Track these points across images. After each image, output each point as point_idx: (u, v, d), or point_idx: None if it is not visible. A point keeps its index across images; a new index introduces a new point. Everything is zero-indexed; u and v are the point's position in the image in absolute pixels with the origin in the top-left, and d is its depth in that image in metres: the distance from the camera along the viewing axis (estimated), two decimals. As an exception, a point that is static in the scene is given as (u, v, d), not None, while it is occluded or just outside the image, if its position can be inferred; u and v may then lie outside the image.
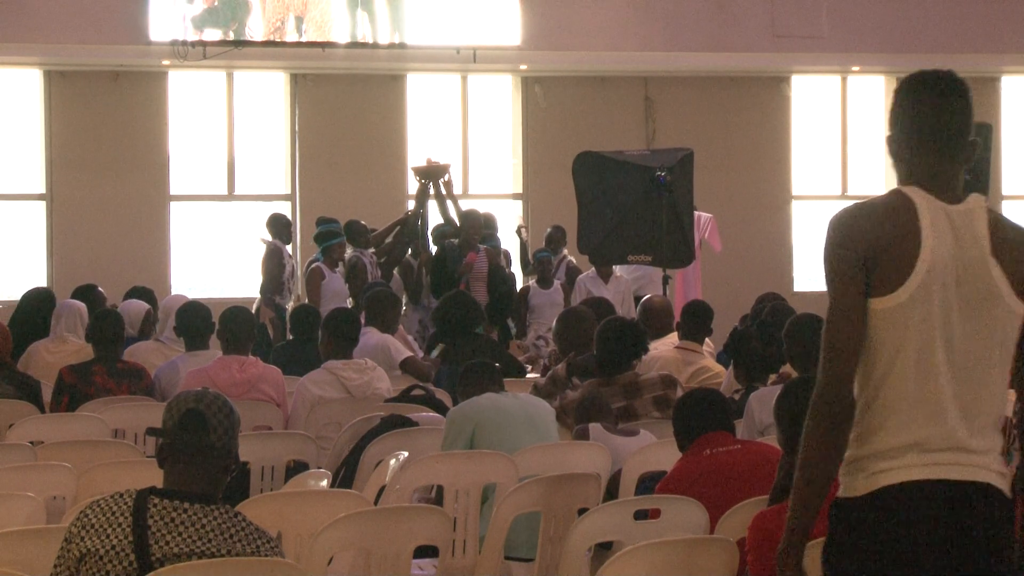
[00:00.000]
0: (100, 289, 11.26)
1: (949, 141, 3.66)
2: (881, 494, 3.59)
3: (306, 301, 13.37)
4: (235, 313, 8.34)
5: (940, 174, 3.67)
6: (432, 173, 14.33)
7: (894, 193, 3.68)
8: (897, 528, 3.58)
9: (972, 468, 3.60)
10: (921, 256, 3.58)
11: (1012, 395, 4.91)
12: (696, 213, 13.02)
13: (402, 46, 16.22)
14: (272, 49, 16.18)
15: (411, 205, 16.09)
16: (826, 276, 3.65)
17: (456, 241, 13.56)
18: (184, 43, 15.68)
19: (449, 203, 14.23)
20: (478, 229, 13.62)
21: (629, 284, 14.13)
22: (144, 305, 10.58)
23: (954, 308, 3.60)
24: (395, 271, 13.83)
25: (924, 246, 3.58)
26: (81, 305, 9.95)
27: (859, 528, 3.61)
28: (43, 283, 16.86)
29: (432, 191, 14.22)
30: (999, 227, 3.66)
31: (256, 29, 15.93)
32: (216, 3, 15.83)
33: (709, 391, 5.99)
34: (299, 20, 16.00)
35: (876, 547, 3.59)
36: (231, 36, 15.87)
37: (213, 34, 15.84)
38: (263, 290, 14.54)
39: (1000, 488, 3.64)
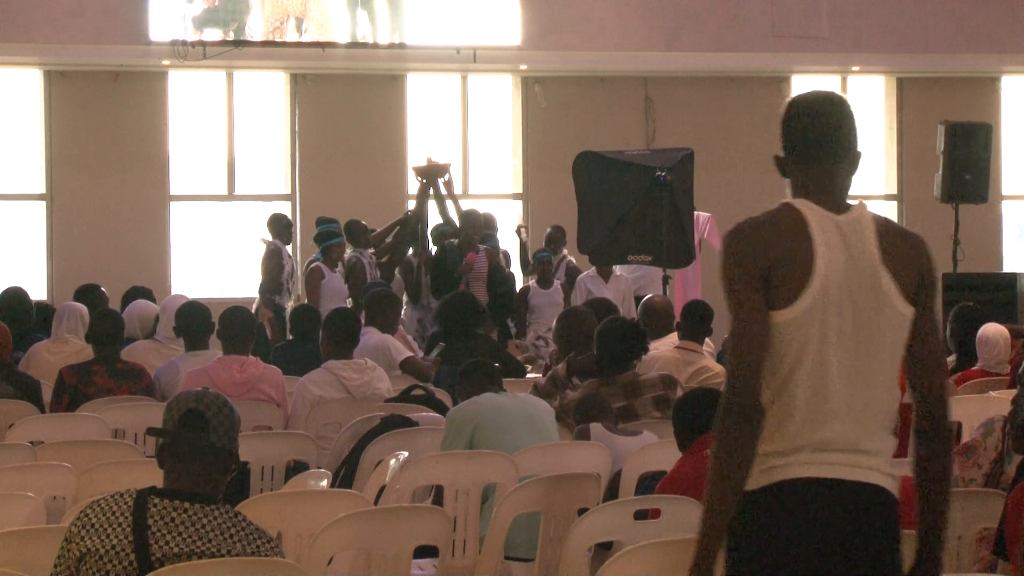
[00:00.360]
0: (103, 289, 11.28)
1: (831, 150, 3.79)
2: (775, 488, 3.71)
3: (306, 301, 13.37)
4: (235, 313, 8.33)
5: (827, 184, 3.79)
6: (433, 173, 14.33)
7: (783, 207, 3.80)
8: (788, 522, 3.69)
9: (864, 470, 3.73)
10: (816, 269, 3.71)
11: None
12: (695, 213, 13.02)
13: (402, 46, 16.22)
14: (272, 49, 16.18)
15: (411, 205, 16.09)
16: (725, 292, 3.74)
17: (456, 241, 13.55)
18: (184, 43, 15.68)
19: (449, 203, 14.23)
20: (478, 229, 13.62)
21: (630, 284, 14.13)
22: (154, 307, 10.57)
23: (848, 316, 3.73)
24: (396, 271, 13.82)
25: (817, 259, 3.71)
26: (82, 307, 9.95)
27: (752, 520, 3.72)
28: (43, 283, 16.89)
29: (432, 191, 14.22)
30: (887, 234, 3.80)
31: (256, 29, 15.93)
32: (216, 3, 15.83)
33: (709, 391, 5.99)
34: (299, 20, 16.01)
35: (767, 540, 3.70)
36: (231, 36, 15.88)
37: (213, 34, 15.84)
38: (262, 290, 14.53)
39: (890, 491, 3.77)
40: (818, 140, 3.82)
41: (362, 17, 16.07)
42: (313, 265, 13.72)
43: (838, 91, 18.93)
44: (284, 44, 16.10)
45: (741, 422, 3.65)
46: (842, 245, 3.75)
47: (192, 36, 15.71)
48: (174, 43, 15.64)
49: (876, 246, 3.77)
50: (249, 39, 15.90)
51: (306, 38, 16.02)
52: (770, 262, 3.71)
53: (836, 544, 3.71)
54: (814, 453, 3.72)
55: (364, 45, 16.14)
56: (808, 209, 3.77)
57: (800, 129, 3.83)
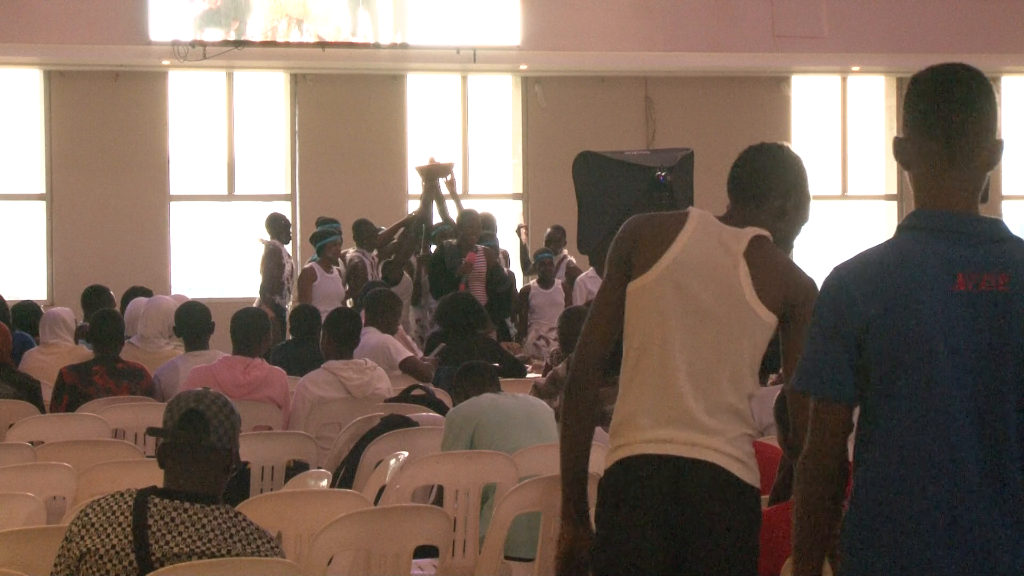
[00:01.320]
0: (111, 293, 11.31)
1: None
2: (615, 468, 4.01)
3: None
4: (247, 315, 8.39)
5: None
6: (435, 172, 14.33)
7: (681, 212, 4.11)
8: (623, 499, 3.98)
9: (701, 448, 3.94)
10: (671, 249, 4.00)
11: None
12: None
13: (402, 46, 16.22)
14: (272, 49, 16.18)
15: (411, 205, 16.11)
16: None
17: (454, 241, 13.55)
18: (184, 43, 15.68)
19: (452, 203, 14.21)
20: (476, 229, 13.61)
21: (629, 284, 14.11)
22: (173, 303, 10.59)
23: (693, 300, 3.98)
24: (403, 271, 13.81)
25: (677, 242, 4.00)
26: (63, 311, 10.04)
27: (601, 499, 4.05)
28: (43, 283, 16.90)
29: (434, 191, 14.21)
30: (764, 261, 4.03)
31: (256, 29, 15.93)
32: (218, 3, 15.83)
33: None
34: (299, 20, 16.01)
35: (607, 517, 4.02)
36: (232, 36, 15.87)
37: (214, 34, 15.84)
38: (262, 290, 14.53)
39: (727, 469, 3.94)
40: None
41: (362, 17, 16.07)
42: (307, 266, 13.69)
43: (838, 91, 19.04)
44: (284, 44, 16.11)
45: (579, 391, 4.08)
46: (711, 241, 4.03)
47: (192, 36, 15.70)
48: (174, 43, 15.63)
49: (742, 255, 4.02)
50: (249, 39, 15.89)
51: (306, 38, 16.02)
52: (636, 242, 4.04)
53: (664, 520, 3.93)
54: (653, 431, 3.96)
55: (364, 45, 16.14)
56: (696, 214, 4.08)
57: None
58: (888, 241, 3.21)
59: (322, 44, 16.03)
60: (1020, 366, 3.10)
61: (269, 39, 15.97)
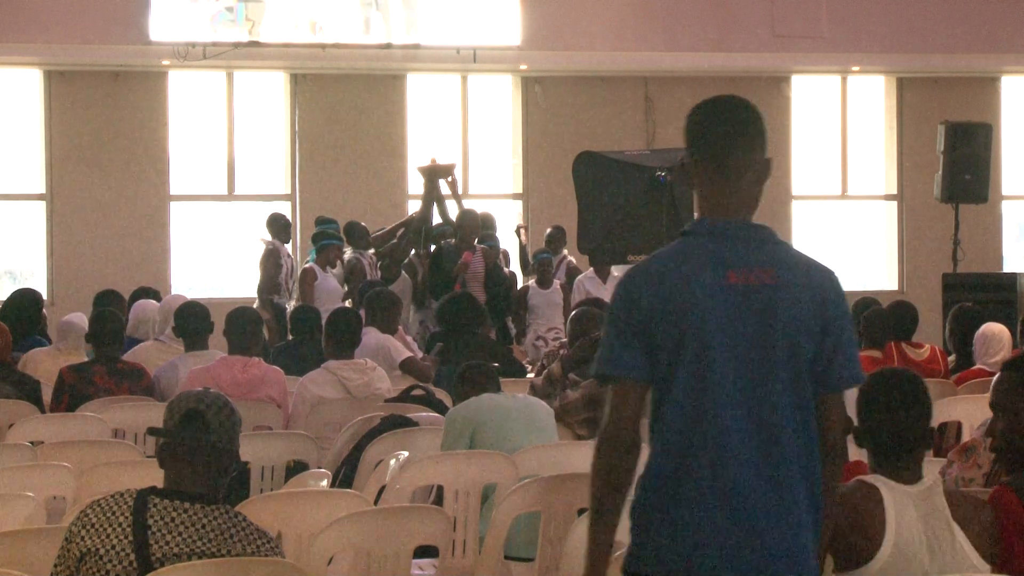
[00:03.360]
0: (123, 296, 11.28)
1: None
2: None
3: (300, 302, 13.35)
4: (241, 314, 8.34)
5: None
6: (437, 173, 14.33)
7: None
8: None
9: None
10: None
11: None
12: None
13: (402, 46, 16.22)
14: (272, 49, 16.18)
15: (411, 205, 16.10)
16: None
17: (453, 241, 13.54)
18: (184, 43, 15.68)
19: (453, 203, 14.21)
20: (476, 229, 13.59)
21: (628, 284, 14.10)
22: (156, 306, 10.56)
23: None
24: (403, 271, 13.80)
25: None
26: (77, 317, 9.85)
27: None
28: (43, 283, 16.88)
29: (434, 191, 14.21)
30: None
31: (256, 30, 15.92)
32: (218, 3, 15.82)
33: None
34: (299, 20, 16.00)
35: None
36: (232, 37, 15.86)
37: (214, 34, 15.83)
38: (259, 290, 14.52)
39: None
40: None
41: (362, 17, 16.07)
42: (307, 266, 13.71)
43: (838, 91, 19.02)
44: (284, 44, 16.10)
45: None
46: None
47: (192, 36, 15.70)
48: (175, 44, 15.63)
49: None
50: (249, 39, 15.89)
51: (307, 39, 16.02)
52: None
53: None
54: None
55: (364, 45, 16.14)
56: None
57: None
58: (671, 245, 3.74)
59: (322, 44, 16.03)
60: (789, 347, 3.62)
61: (270, 40, 15.96)
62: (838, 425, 3.70)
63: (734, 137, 3.70)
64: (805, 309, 3.64)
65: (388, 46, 16.13)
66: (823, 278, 3.71)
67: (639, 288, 3.65)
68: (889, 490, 4.17)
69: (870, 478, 4.21)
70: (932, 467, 5.70)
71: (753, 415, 3.59)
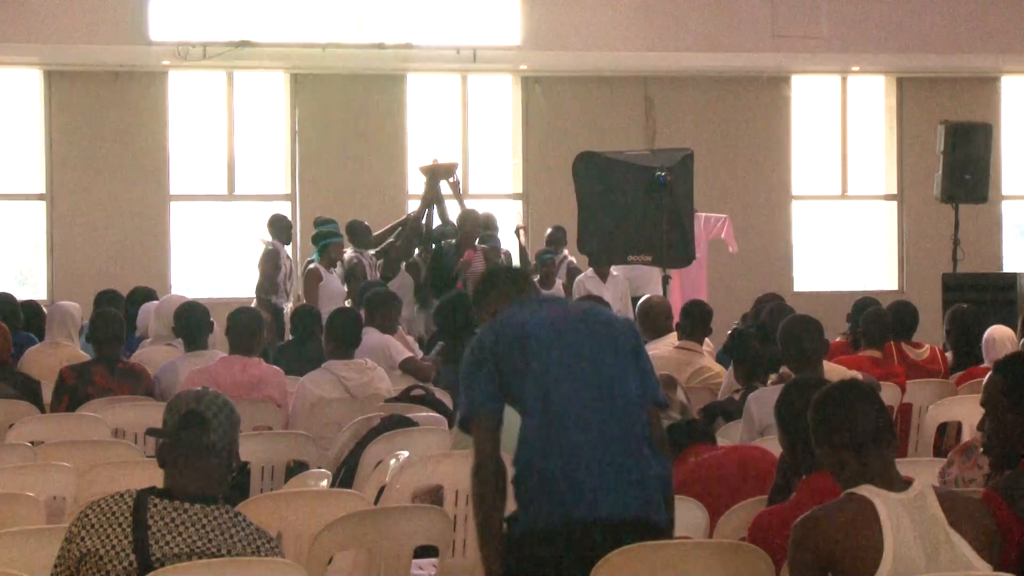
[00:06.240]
0: (122, 295, 11.29)
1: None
2: None
3: (304, 302, 13.34)
4: (242, 314, 8.35)
5: None
6: (439, 173, 14.32)
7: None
8: None
9: None
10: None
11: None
12: (705, 215, 13.01)
13: (402, 46, 16.21)
14: (272, 49, 16.18)
15: (411, 205, 16.10)
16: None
17: (453, 241, 13.54)
18: (184, 43, 15.67)
19: (454, 203, 14.21)
20: (476, 228, 13.60)
21: (627, 284, 14.13)
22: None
23: None
24: (403, 271, 13.79)
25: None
26: (73, 305, 9.92)
27: None
28: (43, 283, 16.90)
29: (435, 191, 14.21)
30: None
31: (257, 29, 15.92)
32: (219, 4, 15.82)
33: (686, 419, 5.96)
34: (300, 20, 16.00)
35: None
36: (233, 37, 15.86)
37: (215, 34, 15.82)
38: (258, 290, 14.52)
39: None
40: None
41: (363, 17, 16.07)
42: (311, 267, 13.70)
43: (838, 91, 19.03)
44: (284, 44, 16.10)
45: None
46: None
47: (193, 36, 15.70)
48: (175, 44, 15.62)
49: None
50: (250, 39, 15.89)
51: (306, 38, 16.01)
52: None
53: None
54: None
55: (364, 45, 16.13)
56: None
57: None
58: (515, 303, 4.80)
59: (322, 44, 16.03)
60: (614, 361, 4.66)
61: (269, 39, 15.96)
62: None
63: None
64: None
65: (377, 46, 16.10)
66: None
67: (488, 340, 4.69)
68: (883, 502, 4.07)
69: (862, 490, 4.10)
70: (929, 469, 5.71)
71: (590, 421, 4.62)
